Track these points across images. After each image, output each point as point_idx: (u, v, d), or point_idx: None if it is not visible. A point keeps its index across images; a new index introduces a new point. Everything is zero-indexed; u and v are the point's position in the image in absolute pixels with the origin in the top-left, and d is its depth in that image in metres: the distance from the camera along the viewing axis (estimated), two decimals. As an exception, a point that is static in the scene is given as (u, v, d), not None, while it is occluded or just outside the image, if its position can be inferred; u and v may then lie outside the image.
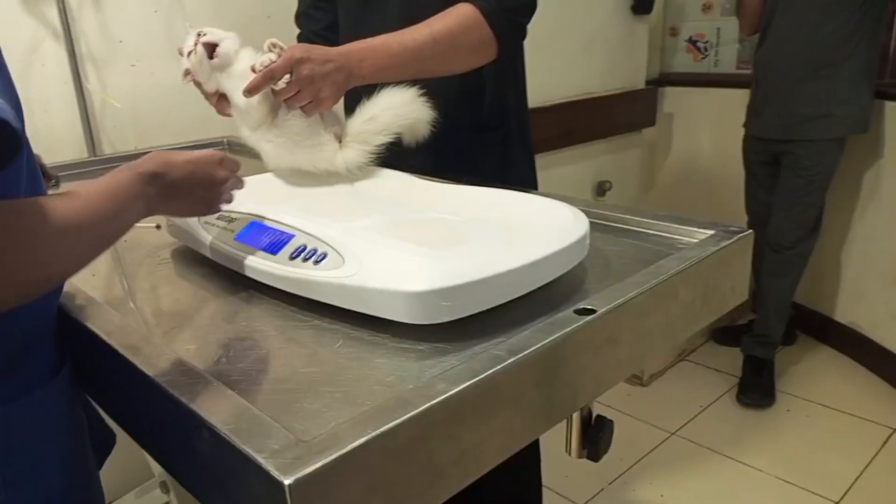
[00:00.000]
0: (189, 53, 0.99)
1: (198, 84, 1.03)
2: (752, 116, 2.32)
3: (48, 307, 0.70)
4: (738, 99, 2.43)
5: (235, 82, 0.97)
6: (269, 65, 0.92)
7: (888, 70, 2.43)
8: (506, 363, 0.55)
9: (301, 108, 0.97)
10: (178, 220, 0.90)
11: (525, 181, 1.33)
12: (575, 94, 2.45)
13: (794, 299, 2.42)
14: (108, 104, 1.54)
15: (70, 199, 0.57)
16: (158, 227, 1.03)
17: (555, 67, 2.32)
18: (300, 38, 1.31)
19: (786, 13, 2.13)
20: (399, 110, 1.01)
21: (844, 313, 2.55)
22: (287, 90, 0.94)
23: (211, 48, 0.97)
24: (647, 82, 2.83)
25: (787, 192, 2.23)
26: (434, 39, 1.01)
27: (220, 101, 1.01)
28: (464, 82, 1.15)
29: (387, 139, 1.01)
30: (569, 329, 0.60)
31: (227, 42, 0.98)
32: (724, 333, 2.62)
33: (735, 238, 0.80)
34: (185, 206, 0.73)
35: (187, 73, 1.02)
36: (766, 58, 2.24)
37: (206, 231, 0.85)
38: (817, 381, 2.41)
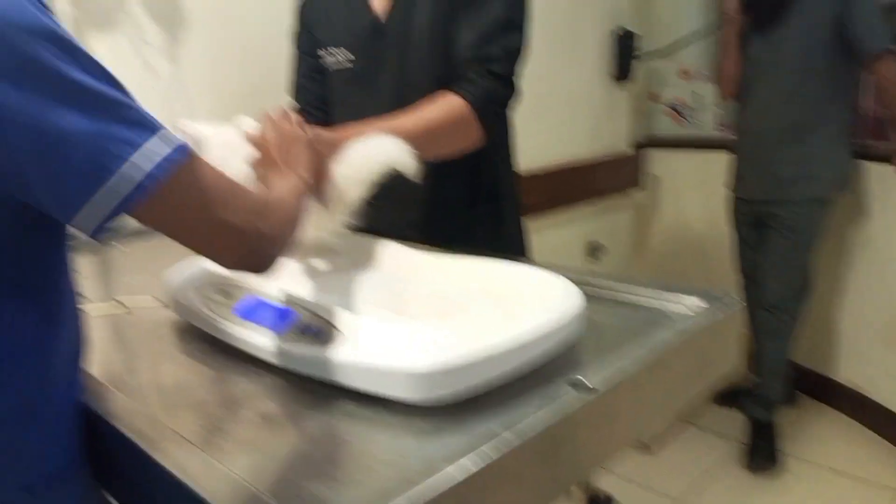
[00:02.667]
0: None
1: None
2: (736, 179, 2.38)
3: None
4: (721, 160, 2.50)
5: (218, 154, 0.95)
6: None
7: (865, 131, 2.50)
8: (508, 443, 0.56)
9: None
10: (179, 298, 0.91)
11: (518, 250, 1.36)
12: (561, 160, 2.51)
13: (794, 359, 2.43)
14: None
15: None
16: (161, 302, 1.04)
17: (540, 134, 2.39)
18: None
19: (763, 80, 2.20)
20: (367, 160, 0.99)
21: (843, 373, 2.56)
22: None
23: (188, 137, 0.99)
24: (632, 146, 2.91)
25: (774, 254, 2.26)
26: (425, 129, 1.06)
27: None
28: (455, 157, 1.19)
29: (365, 191, 0.98)
30: (565, 406, 0.61)
31: (200, 127, 1.01)
32: (726, 396, 2.61)
33: (725, 307, 0.82)
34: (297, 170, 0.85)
35: None
36: (745, 122, 2.31)
37: (205, 307, 0.86)
38: (821, 442, 2.39)
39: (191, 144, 0.96)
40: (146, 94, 1.61)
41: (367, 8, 1.23)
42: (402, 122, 1.06)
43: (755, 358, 2.38)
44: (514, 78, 1.16)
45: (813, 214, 2.21)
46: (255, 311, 0.80)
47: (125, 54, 1.60)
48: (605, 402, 0.66)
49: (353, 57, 1.24)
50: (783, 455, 2.30)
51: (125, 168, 0.56)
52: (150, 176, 0.57)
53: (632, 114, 2.89)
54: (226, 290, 0.86)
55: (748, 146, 2.31)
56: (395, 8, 1.20)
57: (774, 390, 2.33)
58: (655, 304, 0.90)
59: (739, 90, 2.32)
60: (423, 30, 1.18)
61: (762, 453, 2.27)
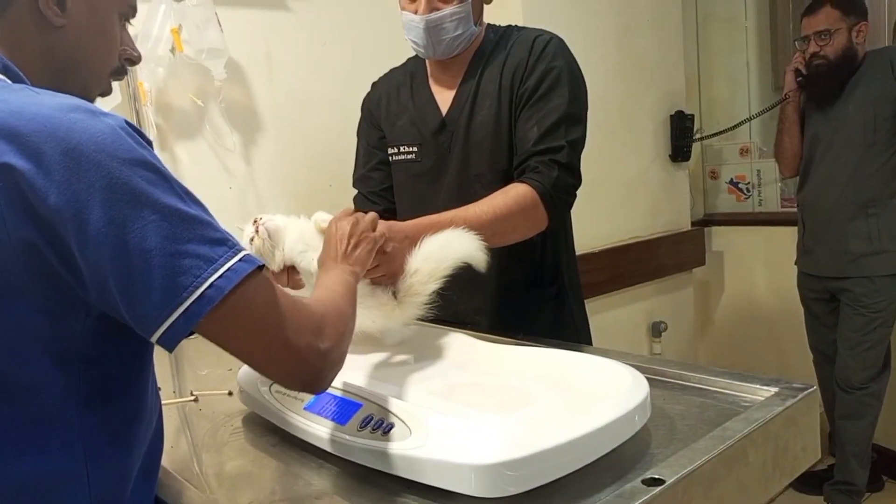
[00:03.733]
0: (251, 240, 1.05)
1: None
2: (804, 254, 2.32)
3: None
4: (787, 236, 2.44)
5: (298, 249, 1.04)
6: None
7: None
8: (577, 541, 0.55)
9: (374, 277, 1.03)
10: (247, 389, 0.94)
11: (580, 332, 1.36)
12: (621, 239, 2.50)
13: (878, 441, 2.27)
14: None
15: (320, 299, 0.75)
16: (230, 393, 1.07)
17: (600, 215, 2.40)
18: (357, 199, 1.42)
19: (825, 156, 2.18)
20: (440, 255, 1.03)
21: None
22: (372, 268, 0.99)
23: (268, 228, 1.05)
24: (693, 223, 2.88)
25: (850, 330, 2.17)
26: (496, 218, 1.11)
27: (290, 275, 1.06)
28: (524, 242, 1.22)
29: (437, 285, 1.02)
30: (639, 502, 0.60)
31: (279, 220, 1.07)
32: (805, 481, 2.45)
33: (800, 396, 0.80)
34: (358, 260, 0.90)
35: None
36: (810, 198, 2.27)
37: (275, 400, 0.89)
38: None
39: (269, 233, 1.03)
40: (222, 193, 1.73)
41: (434, 105, 1.31)
42: (475, 211, 1.11)
43: (835, 441, 2.25)
44: (577, 166, 1.21)
45: (889, 290, 2.12)
46: (325, 406, 0.82)
47: (205, 158, 1.72)
48: (677, 496, 0.64)
49: (418, 151, 1.31)
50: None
51: (200, 283, 0.58)
52: (218, 289, 0.59)
53: (692, 192, 2.89)
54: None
55: (813, 222, 2.26)
56: (459, 104, 1.28)
57: (858, 475, 2.18)
58: (727, 391, 0.87)
59: (801, 167, 2.30)
60: (486, 125, 1.25)
61: None
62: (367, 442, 0.73)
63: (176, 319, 0.58)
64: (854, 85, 2.13)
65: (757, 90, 2.94)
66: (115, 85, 1.52)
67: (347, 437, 0.76)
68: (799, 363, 2.61)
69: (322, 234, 1.04)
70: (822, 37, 2.14)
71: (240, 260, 0.61)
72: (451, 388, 0.84)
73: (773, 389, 0.82)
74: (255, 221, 1.06)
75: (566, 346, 0.94)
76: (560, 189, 1.18)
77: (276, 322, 0.62)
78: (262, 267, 0.63)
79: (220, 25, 1.61)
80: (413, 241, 1.03)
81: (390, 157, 1.36)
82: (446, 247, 1.02)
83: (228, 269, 0.60)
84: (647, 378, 0.80)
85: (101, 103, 1.46)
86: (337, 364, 0.68)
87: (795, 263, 2.36)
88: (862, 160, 2.10)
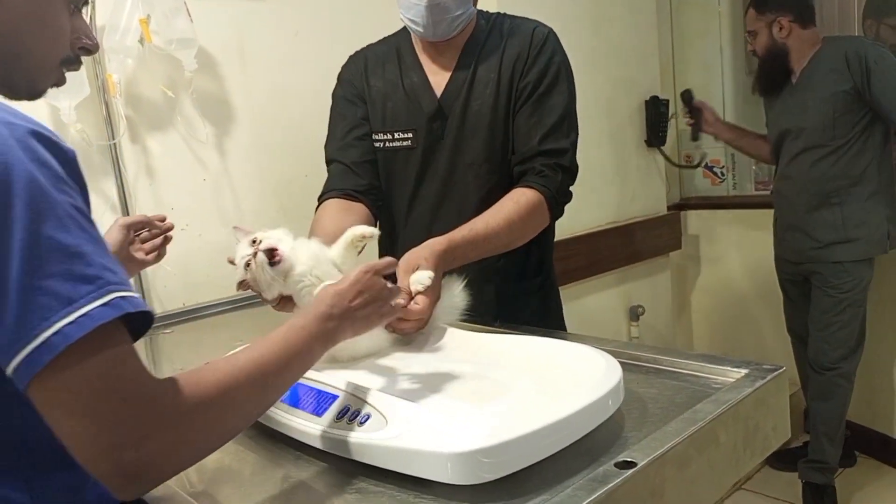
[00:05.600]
0: (247, 264, 0.90)
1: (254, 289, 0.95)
2: (778, 240, 2.36)
3: None
4: (761, 219, 2.48)
5: (304, 283, 0.91)
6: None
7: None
8: (551, 525, 0.56)
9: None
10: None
11: (560, 319, 1.38)
12: (598, 225, 2.52)
13: (851, 418, 2.33)
14: (160, 267, 1.65)
15: (214, 370, 0.61)
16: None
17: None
18: (334, 172, 1.31)
19: (790, 148, 2.22)
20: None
21: (903, 431, 2.44)
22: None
23: (271, 253, 0.90)
24: (669, 207, 2.91)
25: (820, 312, 2.22)
26: (510, 229, 1.15)
27: (284, 303, 0.95)
28: None
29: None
30: (611, 485, 0.61)
31: (285, 243, 0.92)
32: (780, 458, 2.50)
33: (769, 377, 0.81)
34: (363, 324, 0.77)
35: (243, 284, 0.93)
36: (779, 189, 2.32)
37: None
38: (882, 503, 2.27)
39: (270, 259, 0.89)
40: (196, 185, 1.71)
41: (428, 88, 1.27)
42: (491, 226, 1.13)
43: (809, 420, 2.30)
44: (577, 168, 1.26)
45: (856, 273, 2.16)
46: (302, 398, 0.82)
47: (178, 150, 1.70)
48: (649, 478, 0.65)
49: (413, 137, 1.27)
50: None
51: (48, 326, 0.51)
52: (65, 336, 0.51)
53: (668, 176, 2.91)
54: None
55: (783, 211, 2.30)
56: (454, 90, 1.25)
57: (830, 454, 2.23)
58: (699, 374, 0.89)
59: (773, 155, 2.33)
60: (483, 114, 1.24)
61: None
62: (343, 433, 0.73)
63: (24, 359, 0.51)
64: (811, 73, 2.15)
65: (731, 75, 2.96)
66: (84, 77, 1.51)
67: (324, 428, 0.76)
68: (775, 344, 2.66)
69: (352, 248, 0.95)
70: (751, 36, 2.27)
71: (103, 304, 0.53)
72: (427, 378, 0.84)
73: (744, 371, 0.84)
74: (254, 242, 0.92)
75: (540, 333, 0.95)
76: (563, 192, 1.23)
77: (102, 397, 0.53)
78: (132, 315, 0.55)
79: (189, 15, 1.59)
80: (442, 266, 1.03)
81: (381, 144, 1.30)
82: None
83: (83, 315, 0.52)
84: (621, 363, 0.81)
85: (71, 96, 1.45)
86: (168, 473, 0.57)
87: (774, 246, 2.40)
88: (824, 154, 2.13)
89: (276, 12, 1.85)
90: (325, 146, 1.35)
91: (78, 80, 1.46)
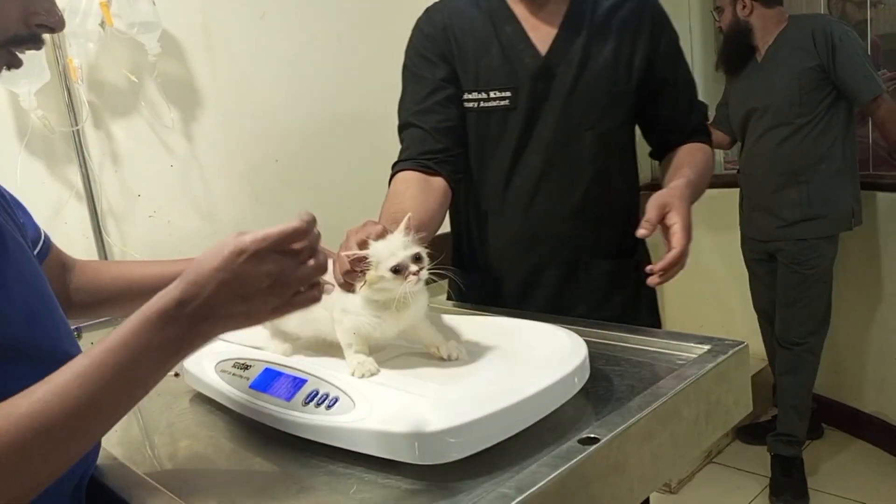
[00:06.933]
0: (400, 272, 0.76)
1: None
2: (744, 218, 2.40)
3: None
4: (729, 197, 2.51)
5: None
6: None
7: (876, 161, 2.51)
8: (515, 501, 0.57)
9: None
10: (193, 370, 0.94)
11: (654, 308, 1.33)
12: (572, 206, 2.54)
13: (818, 391, 2.39)
14: (128, 254, 1.63)
15: (34, 394, 0.51)
16: (177, 374, 1.06)
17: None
18: (410, 136, 1.17)
19: (757, 126, 2.24)
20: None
21: (869, 403, 2.51)
22: None
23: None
24: (641, 187, 2.93)
25: (786, 288, 2.26)
26: (706, 179, 1.18)
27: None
28: (616, 207, 1.24)
29: None
30: (574, 461, 0.62)
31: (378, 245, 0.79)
32: (749, 432, 2.57)
33: (731, 352, 0.83)
34: (235, 321, 0.59)
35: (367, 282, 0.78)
36: (745, 167, 2.35)
37: (221, 379, 0.88)
38: (850, 475, 2.34)
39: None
40: (163, 171, 1.68)
41: (528, 43, 1.16)
42: (697, 171, 1.14)
43: (777, 394, 2.35)
44: None
45: (821, 249, 2.20)
46: (270, 383, 0.82)
47: (143, 136, 1.67)
48: (612, 453, 0.66)
49: (512, 96, 1.15)
50: (812, 490, 2.24)
51: None
52: None
53: (638, 157, 2.93)
54: (243, 363, 0.88)
55: (750, 189, 2.33)
56: (563, 47, 1.15)
57: (798, 427, 2.29)
58: (664, 351, 0.90)
59: (738, 134, 2.36)
60: (603, 77, 1.15)
61: (791, 490, 2.22)
62: (312, 417, 0.74)
63: None
64: (776, 50, 2.17)
65: (700, 54, 2.98)
66: (43, 61, 1.47)
67: (293, 412, 0.76)
68: (743, 322, 2.71)
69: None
70: (717, 13, 2.34)
71: None
72: (393, 360, 0.85)
73: (706, 347, 0.86)
74: (418, 258, 0.78)
75: (506, 314, 0.96)
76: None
77: None
78: None
79: (151, -3, 1.56)
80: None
81: (474, 104, 1.17)
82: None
83: None
84: (587, 341, 0.82)
85: (31, 81, 1.41)
86: None
87: (740, 226, 2.43)
88: (790, 132, 2.15)
89: (241, -6, 1.82)
90: (399, 109, 1.21)
91: (38, 66, 1.43)
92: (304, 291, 0.61)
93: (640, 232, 0.98)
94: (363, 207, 1.58)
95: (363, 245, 0.79)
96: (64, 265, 0.94)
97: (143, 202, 1.66)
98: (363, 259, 0.77)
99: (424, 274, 0.78)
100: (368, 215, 0.91)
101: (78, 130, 1.55)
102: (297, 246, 0.59)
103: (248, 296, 0.57)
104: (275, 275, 0.58)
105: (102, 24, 1.53)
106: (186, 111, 1.74)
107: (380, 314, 0.80)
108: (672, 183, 1.07)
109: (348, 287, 0.79)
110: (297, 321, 0.88)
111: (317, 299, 0.62)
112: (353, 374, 0.78)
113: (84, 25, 1.51)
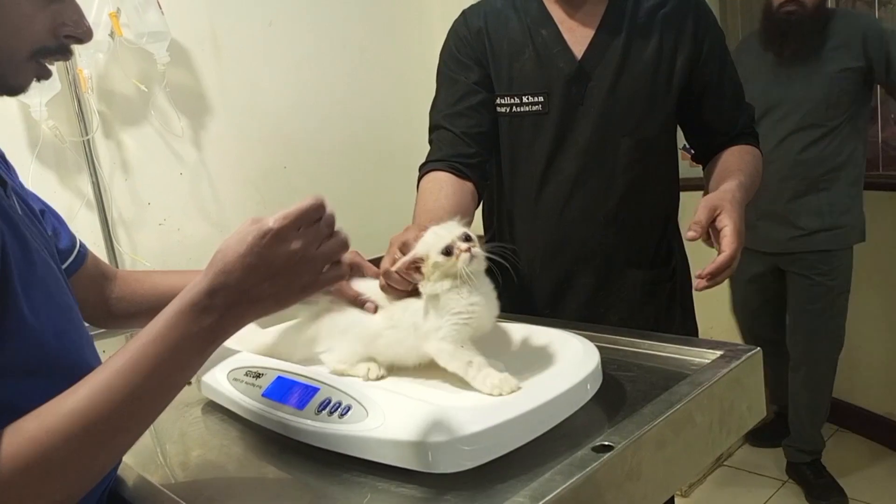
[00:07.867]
0: (451, 253, 0.75)
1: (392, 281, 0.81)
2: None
3: None
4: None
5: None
6: None
7: (882, 162, 2.49)
8: (530, 510, 0.57)
9: None
10: (205, 378, 0.94)
11: (690, 315, 1.30)
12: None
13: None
14: (139, 263, 1.64)
15: (76, 393, 0.52)
16: (189, 383, 1.06)
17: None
18: (440, 140, 1.17)
19: (771, 135, 2.03)
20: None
21: (881, 405, 2.49)
22: None
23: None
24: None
25: (806, 303, 2.11)
26: (755, 182, 1.14)
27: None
28: (653, 215, 1.21)
29: None
30: (588, 469, 0.62)
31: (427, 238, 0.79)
32: (758, 434, 2.55)
33: (744, 357, 0.83)
34: (266, 304, 0.60)
35: (415, 263, 0.77)
36: None
37: (234, 388, 0.89)
38: (861, 477, 2.32)
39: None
40: (173, 179, 1.69)
41: (564, 45, 1.13)
42: (749, 174, 1.11)
43: (794, 410, 2.27)
44: None
45: (843, 261, 2.08)
46: (283, 392, 0.82)
47: (153, 144, 1.68)
48: (626, 461, 0.66)
49: (545, 101, 1.13)
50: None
51: None
52: None
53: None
54: (255, 372, 0.88)
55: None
56: (600, 50, 1.12)
57: (816, 441, 2.24)
58: (676, 356, 0.90)
59: None
60: (642, 82, 1.12)
61: (826, 490, 2.18)
62: (325, 425, 0.74)
63: None
64: (819, 49, 1.95)
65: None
66: (54, 73, 1.48)
67: (306, 421, 0.76)
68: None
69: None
70: None
71: None
72: (405, 368, 0.85)
73: (719, 352, 0.85)
74: (468, 238, 0.77)
75: (517, 320, 0.96)
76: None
77: None
78: None
79: (160, 7, 1.57)
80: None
81: (507, 109, 1.15)
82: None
83: None
84: (599, 346, 0.82)
85: (42, 92, 1.42)
86: None
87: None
88: (818, 135, 1.99)
89: (249, 2, 1.83)
90: (431, 111, 1.20)
91: (48, 76, 1.44)
92: (330, 269, 0.63)
93: (689, 234, 0.97)
94: (372, 213, 1.59)
95: (406, 247, 0.78)
96: (104, 275, 0.93)
97: (153, 210, 1.67)
98: (414, 263, 0.76)
99: (478, 251, 0.74)
100: (377, 220, 0.92)
101: (88, 140, 1.56)
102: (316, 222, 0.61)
103: (275, 276, 0.59)
104: (300, 252, 0.60)
105: (112, 35, 1.55)
106: (195, 119, 1.75)
107: (461, 295, 0.75)
108: (723, 185, 1.06)
109: (407, 290, 0.79)
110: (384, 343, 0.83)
111: (343, 276, 0.64)
112: (492, 394, 0.72)
113: (94, 36, 1.52)
